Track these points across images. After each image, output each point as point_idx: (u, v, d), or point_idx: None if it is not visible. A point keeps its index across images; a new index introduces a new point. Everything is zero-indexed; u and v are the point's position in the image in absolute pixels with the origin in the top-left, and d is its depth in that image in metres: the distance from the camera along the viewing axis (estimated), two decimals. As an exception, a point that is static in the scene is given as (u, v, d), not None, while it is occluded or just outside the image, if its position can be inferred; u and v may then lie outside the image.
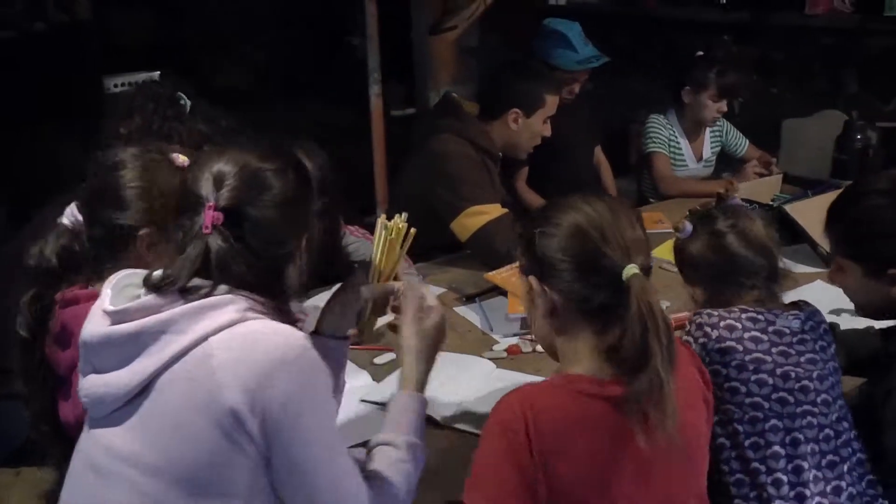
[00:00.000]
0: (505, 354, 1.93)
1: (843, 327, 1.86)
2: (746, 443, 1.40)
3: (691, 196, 2.93)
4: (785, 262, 1.56)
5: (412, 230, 1.42)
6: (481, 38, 7.32)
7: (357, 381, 1.75)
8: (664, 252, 2.48)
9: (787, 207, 2.51)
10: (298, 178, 1.19)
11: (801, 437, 1.39)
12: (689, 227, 1.57)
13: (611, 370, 1.17)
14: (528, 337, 1.99)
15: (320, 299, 2.15)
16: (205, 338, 1.06)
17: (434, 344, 1.29)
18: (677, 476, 1.22)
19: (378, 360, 1.90)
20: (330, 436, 1.10)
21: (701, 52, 3.19)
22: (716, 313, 1.45)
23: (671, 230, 2.64)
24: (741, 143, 3.32)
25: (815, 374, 1.43)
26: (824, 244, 2.39)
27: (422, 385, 1.27)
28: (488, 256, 2.33)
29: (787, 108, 4.49)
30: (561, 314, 1.21)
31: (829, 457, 1.40)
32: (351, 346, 1.42)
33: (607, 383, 1.17)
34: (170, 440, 1.05)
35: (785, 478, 1.38)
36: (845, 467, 1.41)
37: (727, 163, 3.36)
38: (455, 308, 2.17)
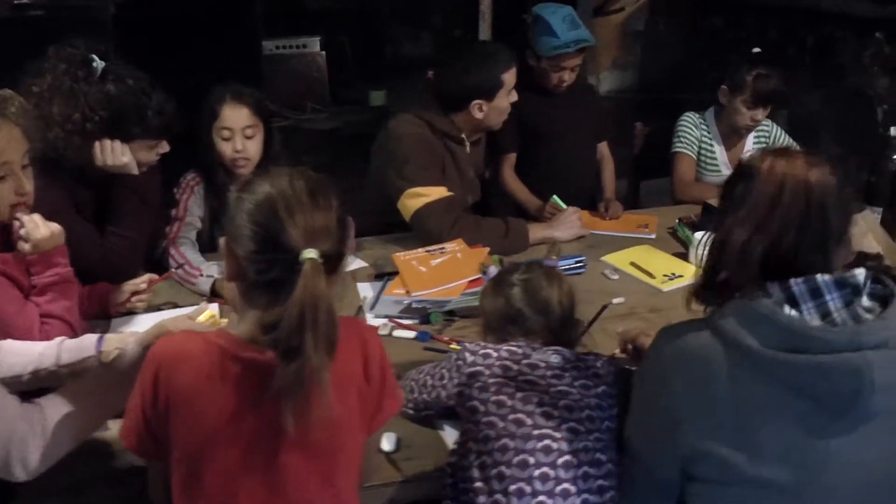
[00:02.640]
0: (359, 333, 1.95)
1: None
2: (476, 462, 1.37)
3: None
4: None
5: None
6: (648, 23, 7.01)
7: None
8: (617, 258, 2.36)
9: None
10: None
11: (531, 459, 1.34)
12: (493, 269, 1.66)
13: (267, 344, 1.16)
14: (400, 320, 2.01)
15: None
16: None
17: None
18: (311, 467, 1.21)
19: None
20: None
21: (758, 49, 2.86)
22: (482, 342, 1.49)
23: (649, 236, 2.50)
24: (794, 154, 2.96)
25: (561, 403, 1.39)
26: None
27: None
28: (424, 238, 2.33)
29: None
30: (243, 280, 1.20)
31: (564, 485, 1.33)
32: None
33: (254, 349, 1.16)
34: None
35: (504, 500, 1.33)
36: (579, 500, 1.33)
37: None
38: (359, 283, 2.22)
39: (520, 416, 1.37)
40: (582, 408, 1.39)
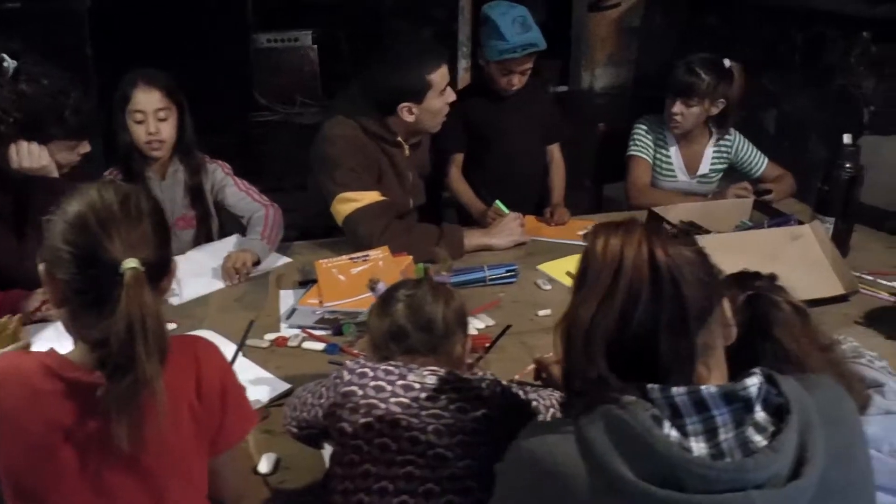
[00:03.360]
0: (268, 344, 1.90)
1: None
2: (339, 487, 1.32)
3: (660, 211, 2.60)
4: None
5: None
6: (644, 19, 6.90)
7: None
8: (553, 267, 2.29)
9: (704, 237, 2.16)
10: None
11: (391, 486, 1.28)
12: (381, 286, 1.58)
13: (94, 362, 1.14)
14: (314, 331, 1.95)
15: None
16: None
17: None
18: (140, 489, 1.17)
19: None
20: None
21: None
22: (362, 361, 1.42)
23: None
24: (757, 162, 2.86)
25: (430, 428, 1.32)
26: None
27: None
28: (355, 243, 2.28)
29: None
30: (68, 304, 1.17)
31: None
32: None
33: (79, 368, 1.14)
34: None
35: None
36: None
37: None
38: (282, 290, 2.17)
39: (385, 440, 1.30)
40: (454, 433, 1.31)
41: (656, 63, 6.58)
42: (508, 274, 2.20)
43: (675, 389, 0.94)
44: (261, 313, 2.04)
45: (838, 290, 2.15)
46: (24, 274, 2.03)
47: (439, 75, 2.32)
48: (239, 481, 1.37)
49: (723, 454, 0.92)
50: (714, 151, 2.83)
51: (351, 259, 2.12)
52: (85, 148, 2.05)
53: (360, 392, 1.35)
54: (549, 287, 2.20)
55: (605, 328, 0.97)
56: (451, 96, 2.38)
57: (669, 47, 6.44)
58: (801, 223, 2.31)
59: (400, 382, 1.36)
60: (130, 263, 1.10)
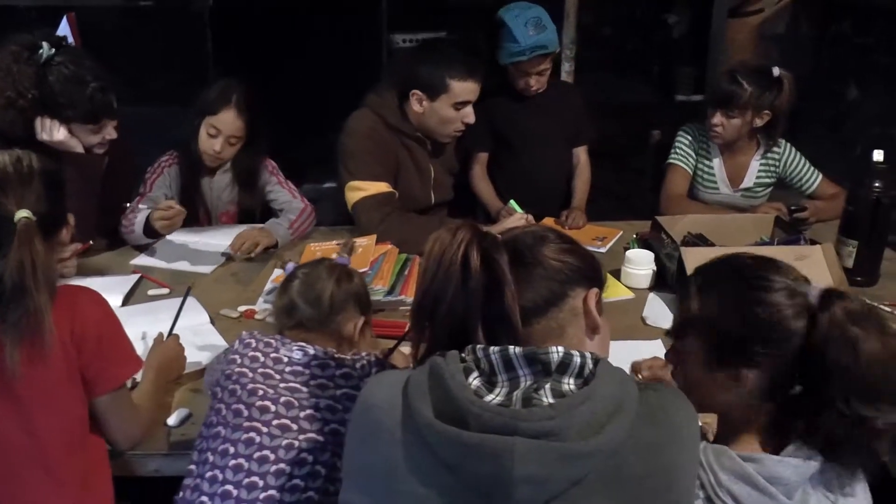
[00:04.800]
0: (238, 314, 2.04)
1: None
2: (198, 445, 1.43)
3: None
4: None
5: None
6: (790, 26, 6.49)
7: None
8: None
9: (686, 249, 2.08)
10: None
11: (232, 449, 1.37)
12: (290, 266, 1.68)
13: None
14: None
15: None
16: None
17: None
18: (11, 416, 1.36)
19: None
20: None
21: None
22: (256, 332, 1.52)
23: (599, 250, 2.39)
24: (809, 178, 2.66)
25: (282, 400, 1.40)
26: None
27: None
28: (362, 231, 2.38)
29: None
30: None
31: (253, 478, 1.35)
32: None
33: None
34: None
35: (203, 485, 1.37)
36: (263, 494, 1.34)
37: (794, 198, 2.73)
38: (277, 269, 2.30)
39: (240, 406, 1.39)
40: (305, 407, 1.39)
41: (798, 72, 6.19)
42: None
43: (492, 348, 1.05)
44: (247, 287, 2.19)
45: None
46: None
47: (462, 88, 2.37)
48: (129, 425, 1.51)
49: (510, 405, 0.99)
50: (760, 164, 2.68)
51: (337, 244, 2.23)
52: (111, 134, 2.27)
53: (239, 361, 1.46)
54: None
55: (425, 307, 1.13)
56: (468, 117, 2.43)
57: (810, 56, 6.05)
58: (814, 243, 2.16)
59: (273, 355, 1.45)
60: (22, 213, 1.30)
